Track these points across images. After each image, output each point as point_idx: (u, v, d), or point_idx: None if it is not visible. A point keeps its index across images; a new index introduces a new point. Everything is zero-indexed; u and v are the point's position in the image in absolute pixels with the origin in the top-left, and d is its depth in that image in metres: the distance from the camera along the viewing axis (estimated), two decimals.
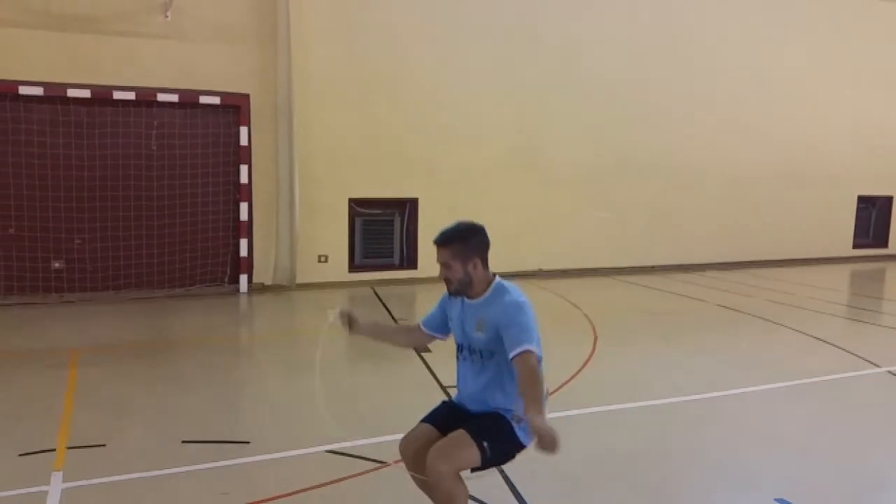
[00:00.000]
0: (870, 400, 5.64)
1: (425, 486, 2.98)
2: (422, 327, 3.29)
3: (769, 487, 3.91)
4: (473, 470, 2.91)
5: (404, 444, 3.05)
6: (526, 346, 2.75)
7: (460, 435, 2.83)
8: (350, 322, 3.17)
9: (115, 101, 9.26)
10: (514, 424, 2.87)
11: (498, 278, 3.04)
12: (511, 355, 2.77)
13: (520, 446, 2.94)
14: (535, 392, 2.63)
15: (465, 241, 2.96)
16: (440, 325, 3.24)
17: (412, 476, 3.04)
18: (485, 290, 2.99)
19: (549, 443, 2.43)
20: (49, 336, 7.66)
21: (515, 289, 2.99)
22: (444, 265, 2.97)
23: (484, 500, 3.55)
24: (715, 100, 13.01)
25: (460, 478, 2.81)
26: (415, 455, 2.97)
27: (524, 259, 11.69)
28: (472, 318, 2.99)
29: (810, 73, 13.82)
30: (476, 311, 2.99)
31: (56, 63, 8.95)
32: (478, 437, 2.81)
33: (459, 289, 3.00)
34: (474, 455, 2.80)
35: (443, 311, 3.21)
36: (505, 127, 11.55)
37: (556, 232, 12.11)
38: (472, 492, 3.00)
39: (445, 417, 3.07)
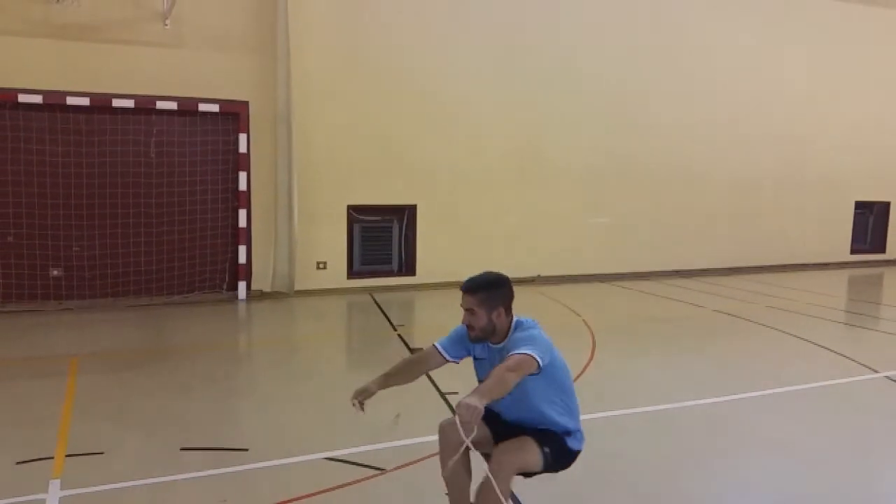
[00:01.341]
0: (868, 405, 5.64)
1: (453, 475, 3.05)
2: (440, 350, 3.25)
3: (768, 493, 3.92)
4: (527, 475, 3.08)
5: (449, 427, 3.07)
6: (524, 351, 2.84)
7: (526, 439, 3.00)
8: (364, 398, 3.18)
9: (115, 108, 9.29)
10: (564, 436, 3.08)
11: (516, 317, 3.14)
12: (511, 353, 2.88)
13: (574, 454, 3.15)
14: (491, 384, 2.66)
15: (491, 290, 3.08)
16: (460, 350, 3.26)
17: (444, 462, 3.05)
18: (506, 334, 3.11)
19: (470, 414, 2.49)
20: (48, 343, 7.65)
21: (531, 321, 3.12)
22: (469, 311, 3.07)
23: None
24: (713, 105, 13.06)
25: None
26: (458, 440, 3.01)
27: (523, 265, 11.71)
28: (499, 359, 3.07)
29: (809, 79, 13.87)
30: (501, 352, 3.08)
31: (55, 71, 8.98)
32: (540, 444, 3.00)
33: (481, 336, 3.10)
34: (536, 458, 2.98)
35: (463, 341, 3.23)
36: (504, 133, 11.58)
37: (555, 238, 12.13)
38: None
39: (492, 418, 3.13)
